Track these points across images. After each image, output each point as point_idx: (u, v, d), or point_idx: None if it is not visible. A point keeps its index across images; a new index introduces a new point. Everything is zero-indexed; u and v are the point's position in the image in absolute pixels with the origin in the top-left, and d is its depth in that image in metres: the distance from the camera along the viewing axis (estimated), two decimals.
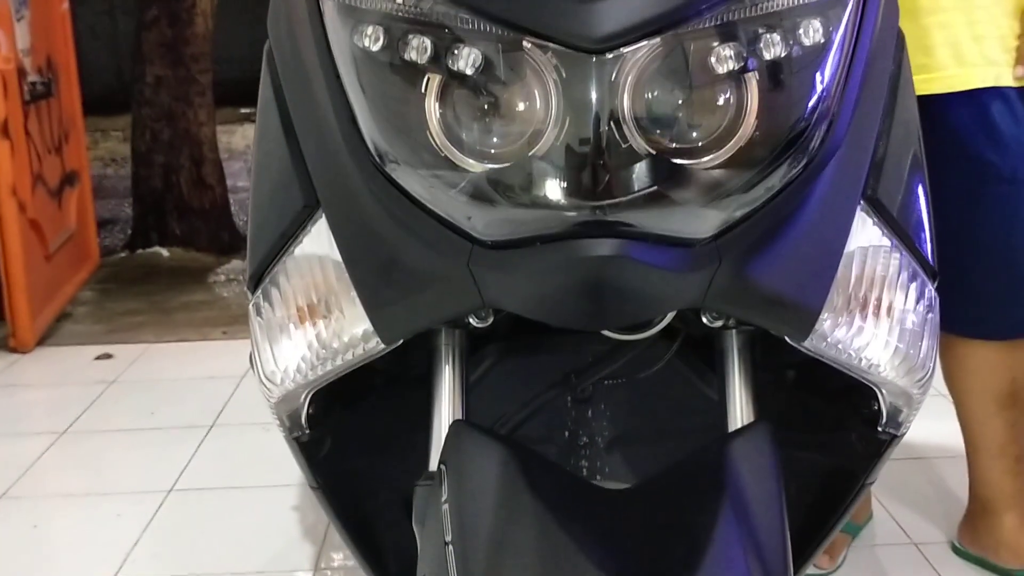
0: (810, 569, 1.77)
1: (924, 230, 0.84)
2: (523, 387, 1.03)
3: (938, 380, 1.72)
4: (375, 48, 0.71)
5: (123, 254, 4.88)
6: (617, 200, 0.68)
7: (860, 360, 0.80)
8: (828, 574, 1.79)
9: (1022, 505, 1.73)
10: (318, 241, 0.81)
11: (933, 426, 2.14)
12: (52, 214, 3.50)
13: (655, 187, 0.68)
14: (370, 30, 0.71)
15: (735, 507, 0.74)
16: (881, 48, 0.81)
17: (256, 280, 0.85)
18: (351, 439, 0.97)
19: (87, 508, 2.12)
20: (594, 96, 0.66)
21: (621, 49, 0.65)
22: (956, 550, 1.82)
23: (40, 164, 3.38)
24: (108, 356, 3.06)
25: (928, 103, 1.53)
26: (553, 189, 0.68)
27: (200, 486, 2.20)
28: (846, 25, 0.71)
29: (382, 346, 0.80)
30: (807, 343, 0.79)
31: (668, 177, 0.69)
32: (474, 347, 0.96)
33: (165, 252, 4.87)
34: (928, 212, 0.85)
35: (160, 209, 5.00)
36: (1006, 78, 1.52)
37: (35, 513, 2.10)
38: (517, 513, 0.74)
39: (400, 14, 0.69)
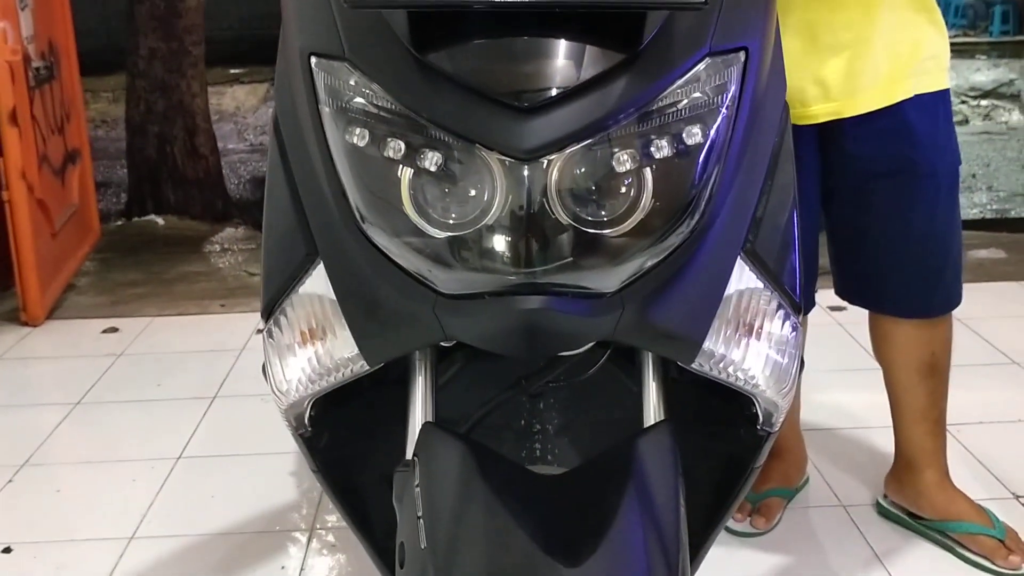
0: (747, 530, 2.02)
1: (794, 273, 1.06)
2: (484, 387, 1.26)
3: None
4: (361, 144, 0.92)
5: (120, 222, 5.07)
6: (543, 267, 0.90)
7: (736, 377, 1.03)
8: (763, 534, 2.03)
9: (940, 463, 1.97)
10: (317, 282, 1.02)
11: (868, 398, 2.38)
12: (57, 192, 3.69)
13: (572, 256, 0.90)
14: (358, 131, 0.92)
15: (639, 494, 0.96)
16: (764, 126, 1.02)
17: (268, 311, 1.07)
18: (345, 431, 1.20)
19: (104, 474, 2.34)
20: (527, 186, 0.88)
21: (545, 157, 0.87)
22: (881, 509, 2.06)
23: (45, 145, 3.57)
24: (115, 330, 3.27)
25: (857, 119, 1.73)
26: (496, 256, 0.90)
27: (206, 454, 2.43)
28: (720, 125, 0.92)
29: (367, 367, 1.03)
30: (694, 365, 1.02)
31: (584, 244, 0.90)
32: (444, 354, 1.18)
33: (160, 220, 5.06)
34: (797, 259, 1.07)
35: (155, 178, 5.18)
36: (923, 85, 1.72)
37: (57, 479, 2.33)
38: (472, 496, 0.96)
39: (381, 122, 0.91)
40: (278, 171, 1.06)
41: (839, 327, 2.99)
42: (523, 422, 1.33)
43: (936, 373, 1.90)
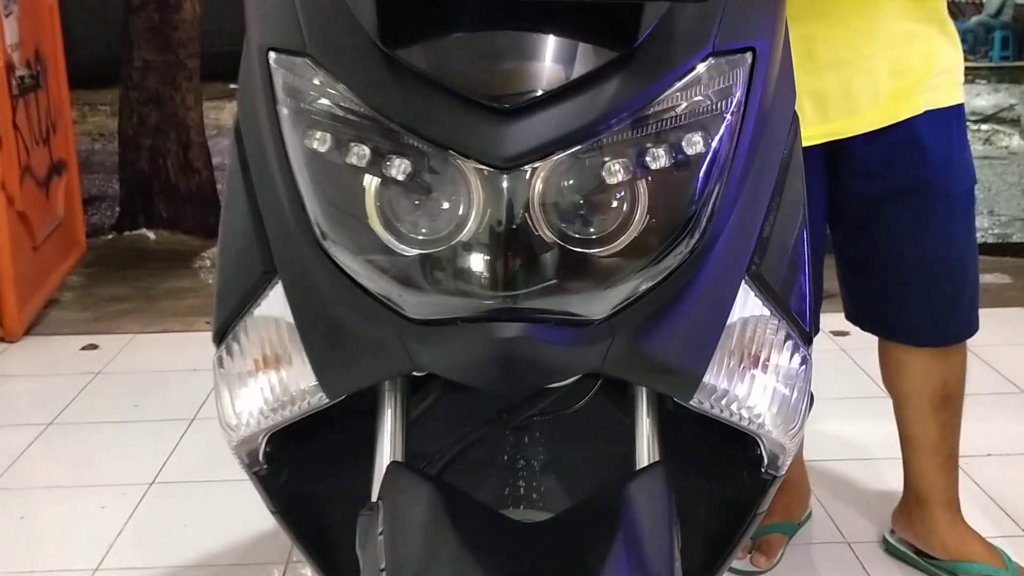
0: (748, 568, 1.91)
1: (803, 299, 0.95)
2: (462, 421, 1.16)
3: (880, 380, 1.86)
4: (323, 150, 0.82)
5: (110, 236, 4.98)
6: (524, 290, 0.79)
7: (740, 416, 0.92)
8: (764, 572, 1.92)
9: (952, 499, 1.86)
10: (275, 304, 0.92)
11: (874, 428, 2.29)
12: (40, 204, 3.59)
13: (557, 278, 0.80)
14: (319, 135, 0.82)
15: (628, 545, 0.86)
16: (771, 137, 0.92)
17: (220, 335, 0.97)
18: (306, 466, 1.09)
19: (72, 500, 2.24)
20: (506, 199, 0.78)
21: (527, 166, 0.77)
22: (888, 546, 1.95)
23: (28, 156, 3.47)
24: (94, 347, 3.17)
25: (866, 137, 1.63)
26: (472, 278, 0.80)
27: (180, 479, 2.32)
28: (724, 134, 0.83)
29: (327, 400, 0.92)
30: (692, 401, 0.91)
31: (570, 265, 0.80)
32: (419, 384, 1.08)
33: (151, 235, 4.97)
34: (807, 283, 0.97)
35: (147, 192, 5.09)
36: (935, 101, 1.62)
37: (23, 504, 2.22)
38: (440, 547, 0.86)
39: (345, 125, 0.81)
40: (237, 181, 0.97)
41: (843, 353, 2.89)
42: (506, 458, 1.23)
43: (949, 405, 1.80)
